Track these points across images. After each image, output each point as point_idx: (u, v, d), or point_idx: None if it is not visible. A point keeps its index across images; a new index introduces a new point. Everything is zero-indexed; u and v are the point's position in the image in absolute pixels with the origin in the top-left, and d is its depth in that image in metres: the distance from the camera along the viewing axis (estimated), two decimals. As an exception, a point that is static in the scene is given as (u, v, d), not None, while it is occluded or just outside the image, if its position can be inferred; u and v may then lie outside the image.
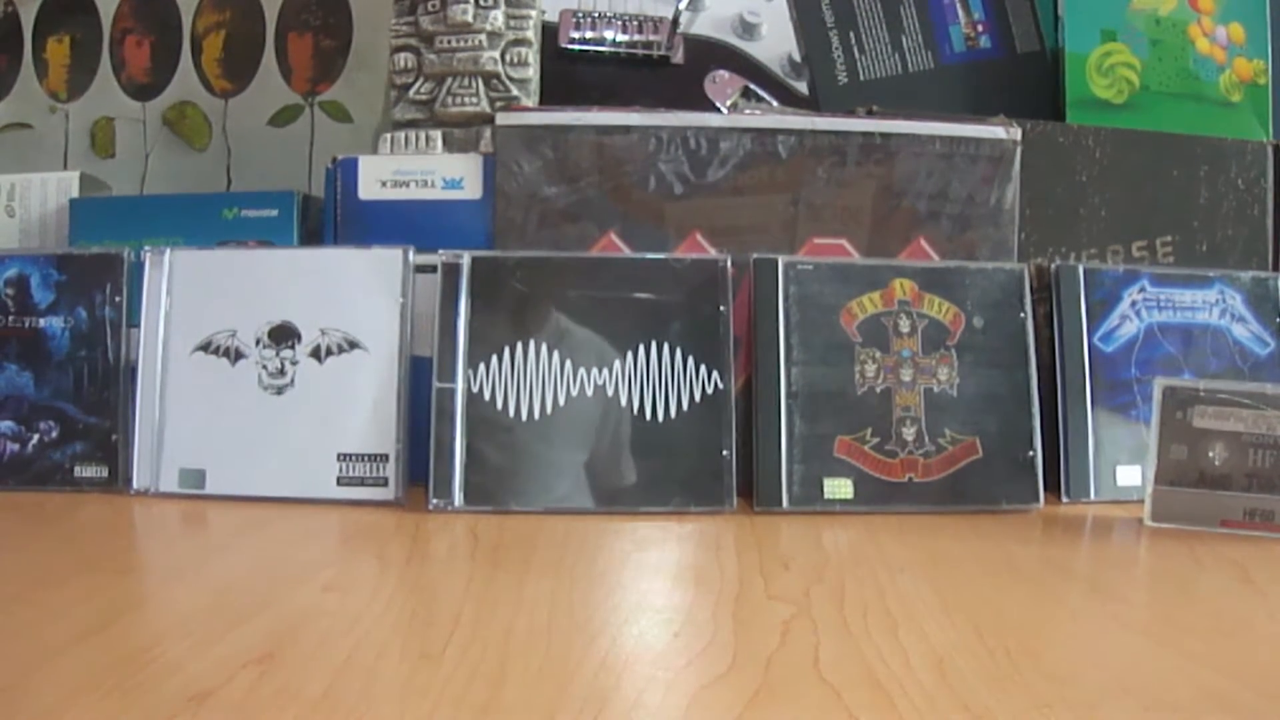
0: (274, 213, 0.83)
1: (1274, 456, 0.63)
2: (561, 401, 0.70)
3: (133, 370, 0.73)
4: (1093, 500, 0.74)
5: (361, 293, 0.72)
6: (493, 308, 0.71)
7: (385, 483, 0.69)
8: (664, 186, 0.78)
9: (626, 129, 0.78)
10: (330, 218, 0.79)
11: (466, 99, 0.81)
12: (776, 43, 0.93)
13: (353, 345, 0.72)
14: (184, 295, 0.73)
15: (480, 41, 0.81)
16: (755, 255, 0.74)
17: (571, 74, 0.89)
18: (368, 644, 0.40)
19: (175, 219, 0.84)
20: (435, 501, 0.67)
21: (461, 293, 0.71)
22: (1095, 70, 0.92)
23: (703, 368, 0.71)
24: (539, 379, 0.70)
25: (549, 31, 0.88)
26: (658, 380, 0.71)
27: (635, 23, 0.90)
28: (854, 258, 0.77)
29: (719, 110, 0.88)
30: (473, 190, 0.78)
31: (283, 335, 0.72)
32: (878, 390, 0.72)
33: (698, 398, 0.70)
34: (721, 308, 0.72)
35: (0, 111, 1.10)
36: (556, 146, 0.77)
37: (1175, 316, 0.78)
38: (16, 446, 0.73)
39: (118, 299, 0.74)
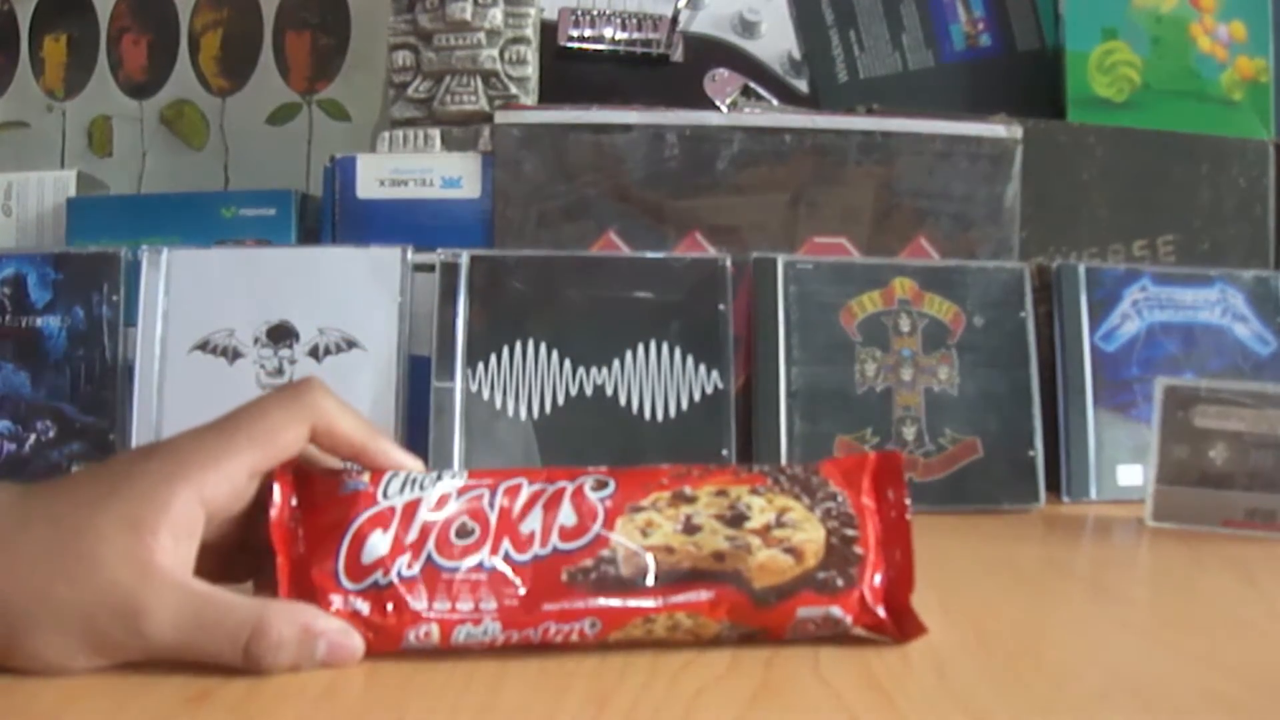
0: (272, 212, 0.83)
1: (1275, 456, 0.63)
2: (560, 401, 0.70)
3: (130, 369, 0.72)
4: (1094, 500, 0.74)
5: (360, 292, 0.72)
6: (491, 307, 0.71)
7: (383, 482, 0.69)
8: (663, 185, 0.77)
9: (626, 127, 0.77)
10: (328, 217, 0.79)
11: (465, 97, 0.81)
12: (776, 41, 0.93)
13: (351, 344, 0.72)
14: (181, 294, 0.73)
15: (479, 40, 0.81)
16: (755, 254, 0.74)
17: (570, 72, 0.89)
18: (365, 645, 0.40)
19: (173, 218, 0.83)
20: (434, 501, 0.67)
21: (460, 292, 0.71)
22: (1096, 68, 0.92)
23: (702, 367, 0.71)
24: (538, 378, 0.70)
25: (548, 29, 0.88)
26: (657, 380, 0.70)
27: (634, 20, 0.89)
28: (854, 257, 0.77)
29: (719, 109, 0.87)
30: (471, 189, 0.78)
31: (281, 334, 0.72)
32: (878, 390, 0.72)
33: (697, 397, 0.70)
34: (721, 307, 0.72)
35: (-3, 110, 1.10)
36: (555, 145, 0.77)
37: (1176, 316, 0.78)
38: (13, 446, 0.73)
39: (115, 298, 0.74)
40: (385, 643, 0.36)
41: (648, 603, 0.37)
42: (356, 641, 0.36)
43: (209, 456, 0.36)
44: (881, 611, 0.39)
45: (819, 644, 0.40)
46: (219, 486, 0.36)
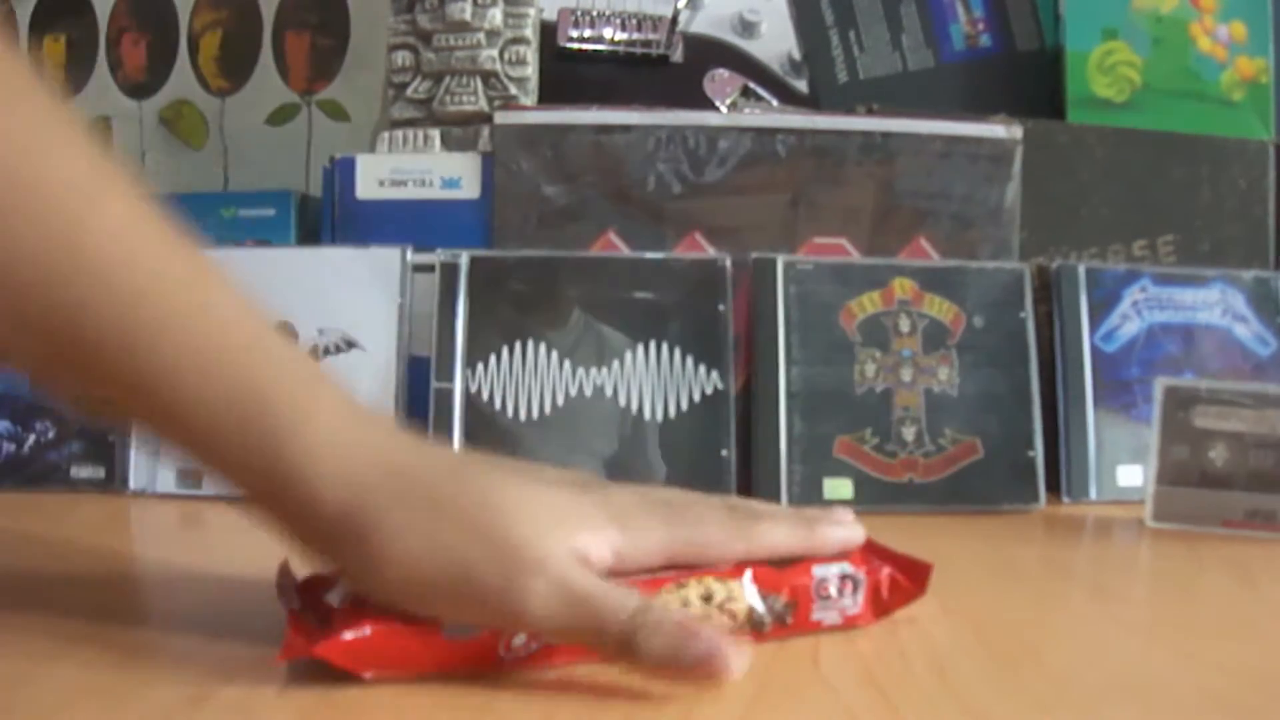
0: (271, 212, 0.83)
1: (1276, 456, 0.63)
2: (560, 402, 0.70)
3: (130, 370, 0.72)
4: (1094, 500, 0.74)
5: (359, 292, 0.72)
6: (491, 307, 0.71)
7: (383, 483, 0.69)
8: (663, 186, 0.77)
9: (625, 128, 0.77)
10: (328, 217, 0.79)
11: (465, 98, 0.81)
12: (776, 41, 0.93)
13: (350, 345, 0.71)
14: (181, 295, 0.72)
15: (478, 40, 0.81)
16: (755, 255, 0.74)
17: (570, 73, 0.89)
18: (365, 645, 0.40)
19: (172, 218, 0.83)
20: (433, 502, 0.67)
21: (460, 292, 0.71)
22: (1096, 69, 0.92)
23: (702, 368, 0.71)
24: (537, 379, 0.70)
25: (547, 30, 0.88)
26: (657, 380, 0.70)
27: (634, 21, 0.89)
28: (854, 257, 0.77)
29: (718, 109, 0.87)
30: (471, 189, 0.78)
31: (280, 335, 0.72)
32: (878, 390, 0.72)
33: (697, 398, 0.70)
34: (721, 307, 0.72)
35: (-3, 110, 1.10)
36: (555, 145, 0.77)
37: (1177, 316, 0.78)
38: (13, 447, 0.73)
39: (115, 298, 0.74)
40: None
41: (669, 573, 0.38)
42: (736, 655, 0.34)
43: None
44: (887, 571, 0.41)
45: (819, 643, 0.40)
46: None
